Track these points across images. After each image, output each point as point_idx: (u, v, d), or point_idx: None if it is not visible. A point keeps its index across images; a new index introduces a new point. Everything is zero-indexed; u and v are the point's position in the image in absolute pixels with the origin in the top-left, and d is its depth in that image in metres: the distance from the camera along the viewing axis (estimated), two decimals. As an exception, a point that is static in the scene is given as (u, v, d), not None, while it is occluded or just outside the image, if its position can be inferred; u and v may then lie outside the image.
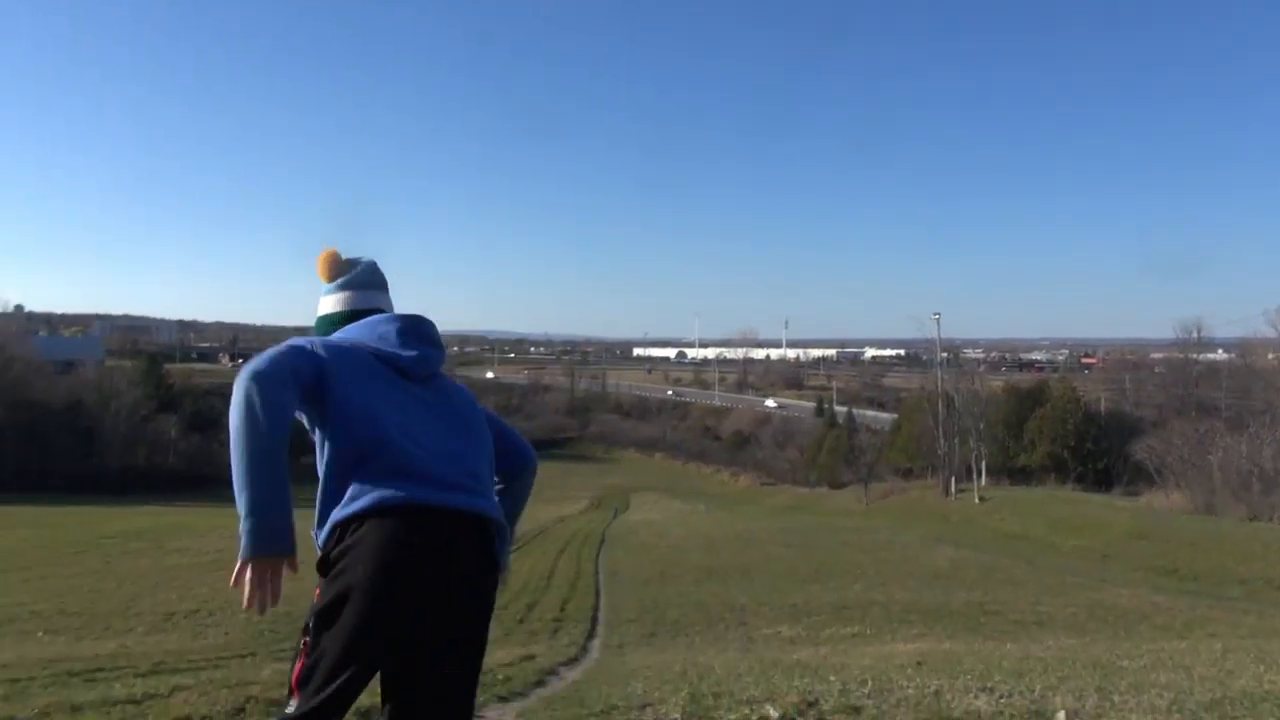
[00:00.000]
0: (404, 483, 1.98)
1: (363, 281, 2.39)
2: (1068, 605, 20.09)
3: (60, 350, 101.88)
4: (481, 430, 2.29)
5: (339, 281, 2.39)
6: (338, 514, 1.99)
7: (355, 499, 1.98)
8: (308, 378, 2.03)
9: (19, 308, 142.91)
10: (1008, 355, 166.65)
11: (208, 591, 20.36)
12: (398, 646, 1.95)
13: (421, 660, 1.97)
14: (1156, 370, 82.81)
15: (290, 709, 1.91)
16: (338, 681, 1.87)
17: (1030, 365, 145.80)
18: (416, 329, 2.28)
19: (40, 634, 15.71)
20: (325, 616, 1.92)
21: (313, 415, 2.11)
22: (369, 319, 2.31)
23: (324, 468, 2.08)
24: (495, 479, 2.33)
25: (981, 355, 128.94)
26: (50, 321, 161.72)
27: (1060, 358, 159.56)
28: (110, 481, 69.45)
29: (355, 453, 2.02)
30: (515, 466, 2.49)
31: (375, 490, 1.97)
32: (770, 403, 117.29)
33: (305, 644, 1.95)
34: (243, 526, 1.91)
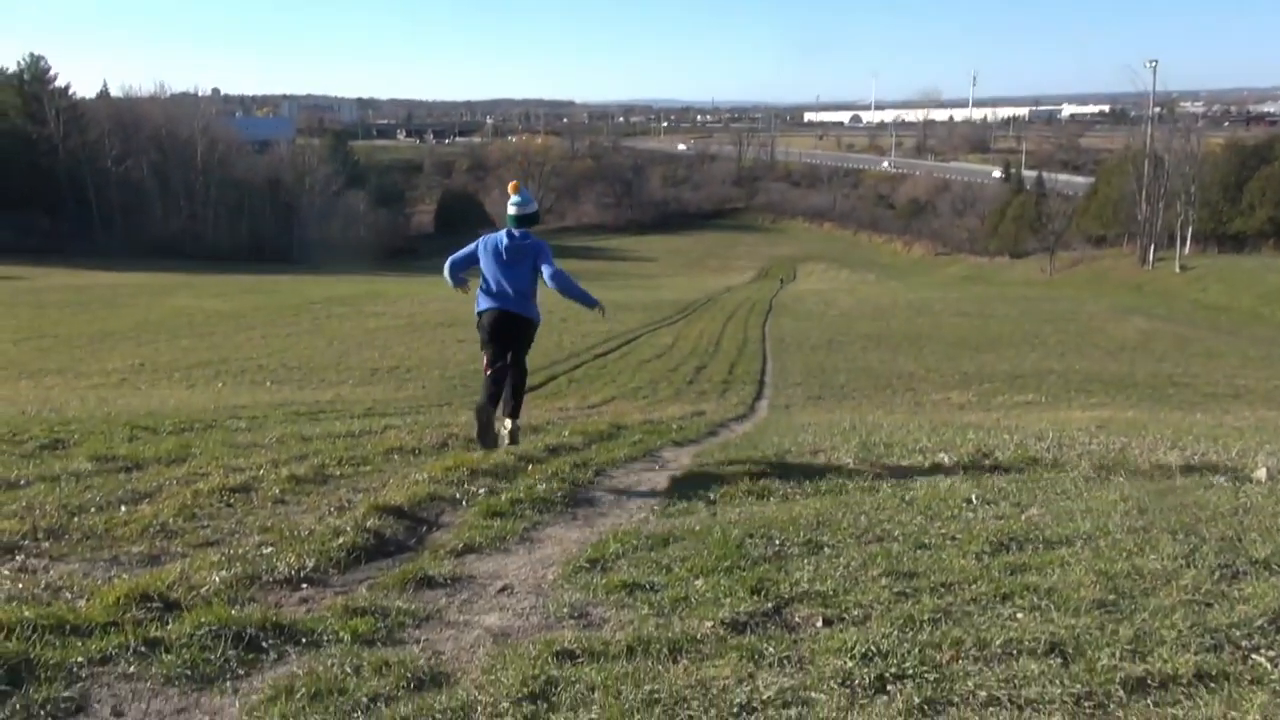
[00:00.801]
0: (485, 298, 5.89)
1: (524, 200, 5.85)
2: (1271, 378, 18.81)
3: (256, 130, 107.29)
4: (524, 275, 5.83)
5: (513, 200, 5.84)
6: (478, 308, 5.99)
7: (479, 303, 5.95)
8: (473, 255, 5.99)
9: (215, 90, 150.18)
10: (1233, 108, 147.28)
11: (404, 350, 22.25)
12: (495, 340, 5.94)
13: (503, 342, 5.94)
14: None
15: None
16: (486, 351, 6.06)
17: (1260, 119, 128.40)
18: (515, 230, 5.83)
19: (268, 383, 17.83)
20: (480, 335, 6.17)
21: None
22: (507, 229, 5.90)
23: (479, 286, 6.03)
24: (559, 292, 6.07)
25: (1202, 109, 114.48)
26: (244, 103, 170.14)
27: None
28: (310, 252, 75.17)
29: (481, 284, 5.94)
30: (560, 292, 5.97)
31: (480, 301, 5.94)
32: (996, 173, 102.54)
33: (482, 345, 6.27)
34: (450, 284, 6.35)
